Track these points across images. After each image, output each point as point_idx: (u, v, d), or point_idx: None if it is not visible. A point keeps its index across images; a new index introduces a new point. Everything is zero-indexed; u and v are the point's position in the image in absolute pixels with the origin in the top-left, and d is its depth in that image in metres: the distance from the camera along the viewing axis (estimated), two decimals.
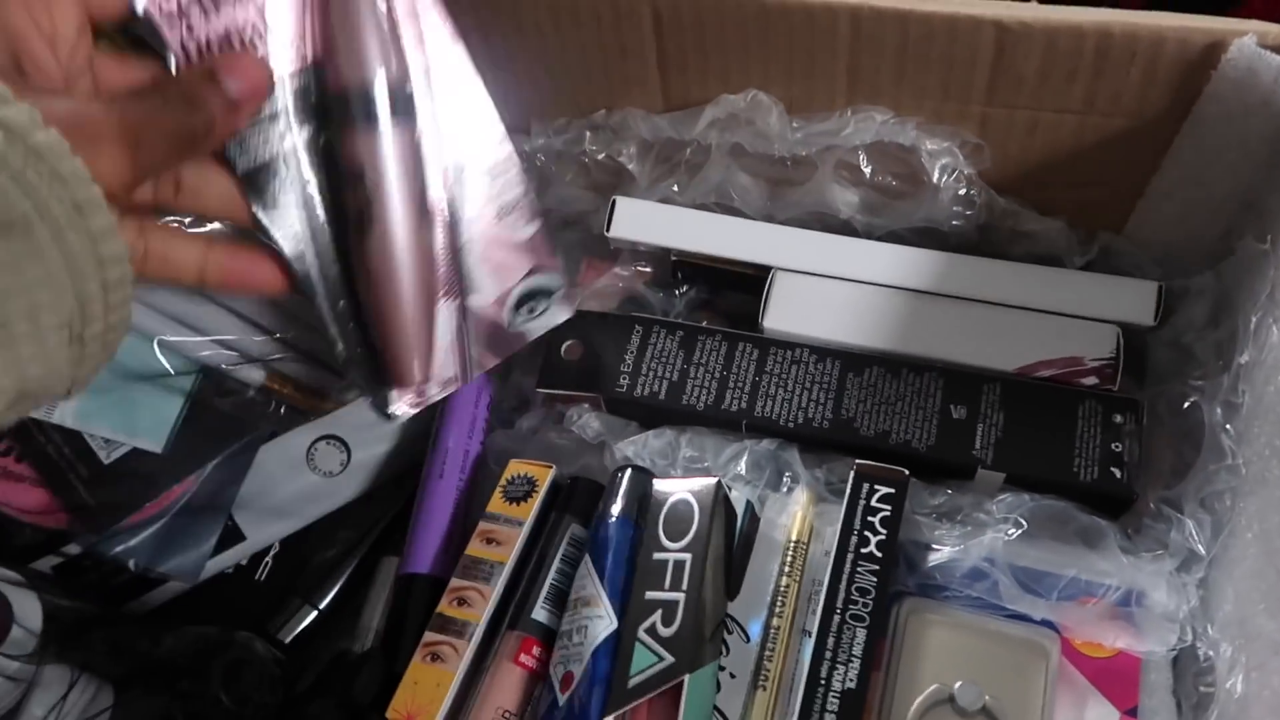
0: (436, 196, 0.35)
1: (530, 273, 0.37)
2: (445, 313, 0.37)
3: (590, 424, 0.43)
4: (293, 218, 0.35)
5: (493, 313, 0.37)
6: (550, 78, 0.45)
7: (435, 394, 0.37)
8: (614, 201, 0.45)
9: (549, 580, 0.38)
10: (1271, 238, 0.35)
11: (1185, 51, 0.35)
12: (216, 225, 0.39)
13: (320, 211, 0.35)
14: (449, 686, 0.36)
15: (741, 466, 0.41)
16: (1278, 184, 0.35)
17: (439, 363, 0.37)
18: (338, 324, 0.36)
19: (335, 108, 0.33)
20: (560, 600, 0.38)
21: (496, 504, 0.41)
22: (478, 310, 0.37)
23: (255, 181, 0.34)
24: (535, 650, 0.37)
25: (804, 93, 0.42)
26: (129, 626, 0.37)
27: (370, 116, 0.33)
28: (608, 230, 0.44)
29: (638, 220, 0.45)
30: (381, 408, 0.37)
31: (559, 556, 0.38)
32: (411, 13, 0.34)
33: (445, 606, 0.39)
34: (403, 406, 0.37)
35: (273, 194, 0.34)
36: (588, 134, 0.45)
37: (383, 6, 0.34)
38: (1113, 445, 0.39)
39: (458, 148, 0.36)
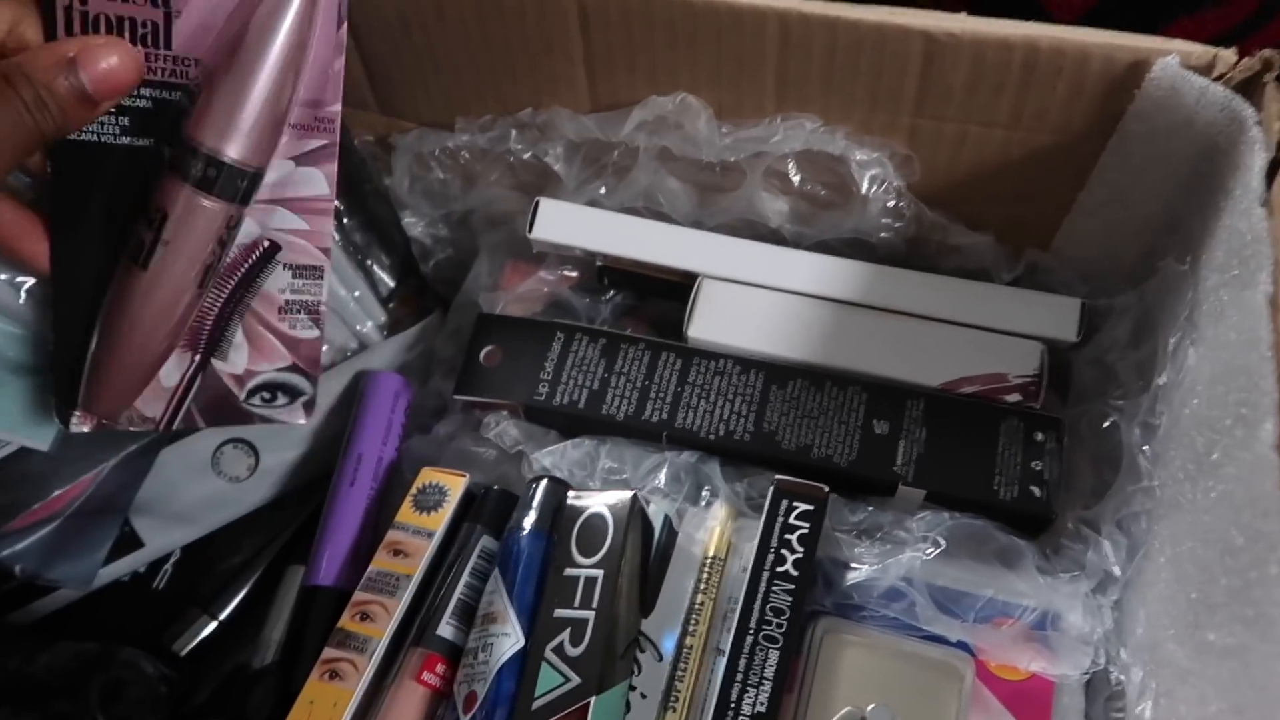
0: (228, 269, 0.36)
1: (287, 369, 0.39)
2: (178, 361, 0.37)
3: (508, 432, 0.42)
4: (81, 206, 0.34)
5: (229, 383, 0.38)
6: (474, 72, 0.43)
7: (123, 426, 0.37)
8: (537, 203, 0.43)
9: (456, 594, 0.36)
10: (1191, 259, 0.35)
11: (1110, 69, 0.35)
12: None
13: (108, 216, 0.34)
14: (346, 706, 0.35)
15: (661, 479, 0.40)
16: (1199, 205, 0.35)
17: (144, 400, 0.37)
18: (64, 322, 0.36)
19: (180, 148, 0.33)
20: (468, 616, 0.37)
21: (406, 514, 0.39)
22: (216, 373, 0.38)
23: (68, 151, 0.33)
24: (439, 668, 0.36)
25: (733, 98, 0.41)
26: None
27: (205, 180, 0.33)
28: (530, 232, 0.43)
29: (562, 222, 0.43)
30: (62, 415, 0.37)
31: (468, 570, 0.37)
32: (307, 122, 0.35)
33: (347, 621, 0.37)
34: (83, 426, 0.37)
35: (79, 172, 0.33)
36: (513, 132, 0.44)
37: (285, 100, 0.34)
38: (1033, 464, 0.39)
39: (278, 244, 0.37)
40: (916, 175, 0.41)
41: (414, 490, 0.40)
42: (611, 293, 0.46)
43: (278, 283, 0.38)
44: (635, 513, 0.36)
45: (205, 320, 0.37)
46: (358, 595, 0.37)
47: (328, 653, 0.36)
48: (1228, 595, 0.29)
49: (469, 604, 0.37)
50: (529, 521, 0.37)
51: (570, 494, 0.38)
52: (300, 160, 0.37)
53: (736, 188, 0.42)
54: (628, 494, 0.37)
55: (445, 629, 0.36)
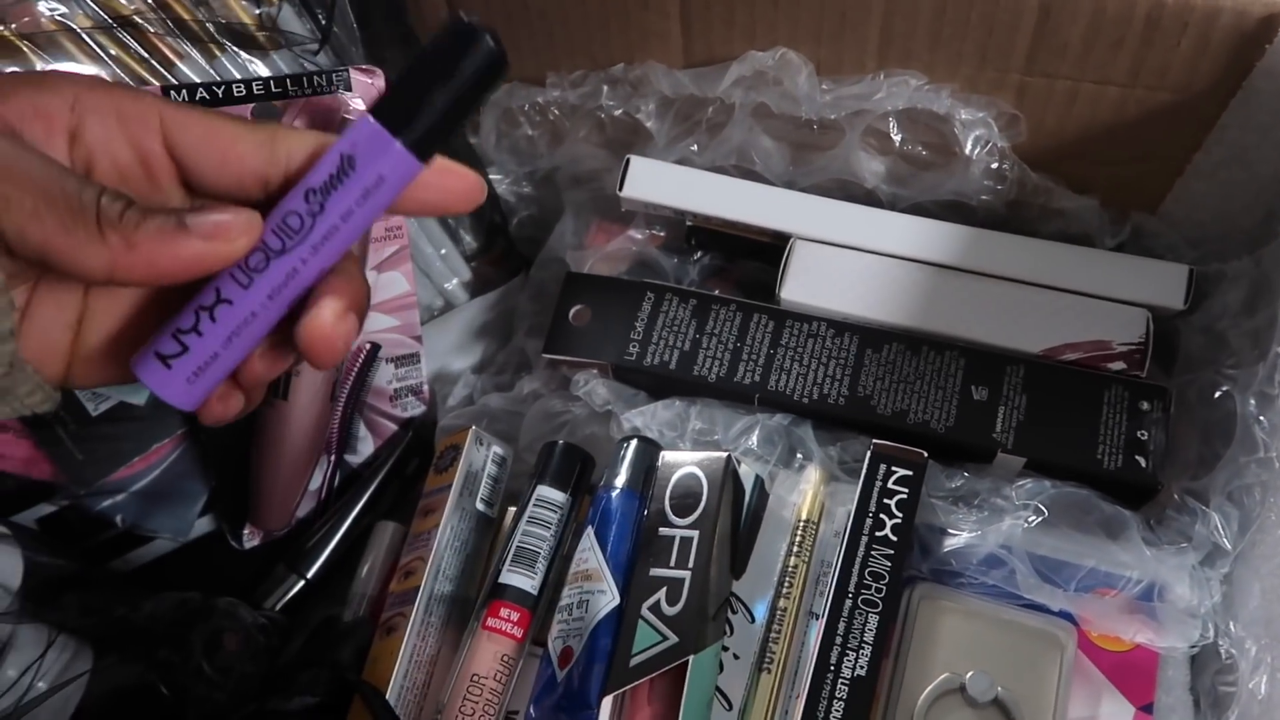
0: (343, 376, 0.41)
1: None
2: (320, 466, 0.42)
3: (597, 391, 0.42)
4: None
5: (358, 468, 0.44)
6: (566, 28, 0.42)
7: (282, 531, 0.42)
8: (628, 160, 0.43)
9: (515, 541, 0.36)
10: None
11: (1241, 23, 0.33)
12: None
13: None
14: (397, 654, 0.35)
15: (753, 441, 0.40)
16: None
17: (299, 508, 0.43)
18: (219, 454, 0.41)
19: None
20: (529, 560, 0.37)
21: (431, 480, 0.40)
22: (348, 464, 0.44)
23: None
24: (505, 613, 0.36)
25: (833, 54, 0.40)
26: (104, 590, 0.36)
27: None
28: (620, 190, 0.43)
29: (653, 181, 0.43)
30: (234, 534, 0.42)
31: (525, 518, 0.37)
32: (380, 235, 0.40)
33: (395, 584, 0.38)
34: (254, 540, 0.42)
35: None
36: (605, 88, 0.43)
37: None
38: (1138, 433, 0.38)
39: (377, 344, 0.42)
40: (1023, 136, 0.40)
41: (435, 459, 0.40)
42: (700, 253, 0.45)
43: (384, 376, 0.43)
44: (729, 474, 0.36)
45: (334, 426, 0.42)
46: (401, 560, 0.39)
47: (384, 616, 0.38)
48: None
49: (530, 550, 0.37)
50: (621, 480, 0.37)
51: (663, 454, 0.38)
52: (381, 267, 0.41)
53: (833, 146, 0.41)
54: (721, 454, 0.36)
55: (509, 576, 0.36)
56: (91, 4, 0.36)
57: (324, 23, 0.41)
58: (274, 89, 0.33)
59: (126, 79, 0.37)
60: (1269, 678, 0.31)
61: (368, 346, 0.41)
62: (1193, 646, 0.34)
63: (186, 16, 0.38)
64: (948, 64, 0.39)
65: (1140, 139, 0.39)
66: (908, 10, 0.37)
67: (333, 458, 0.42)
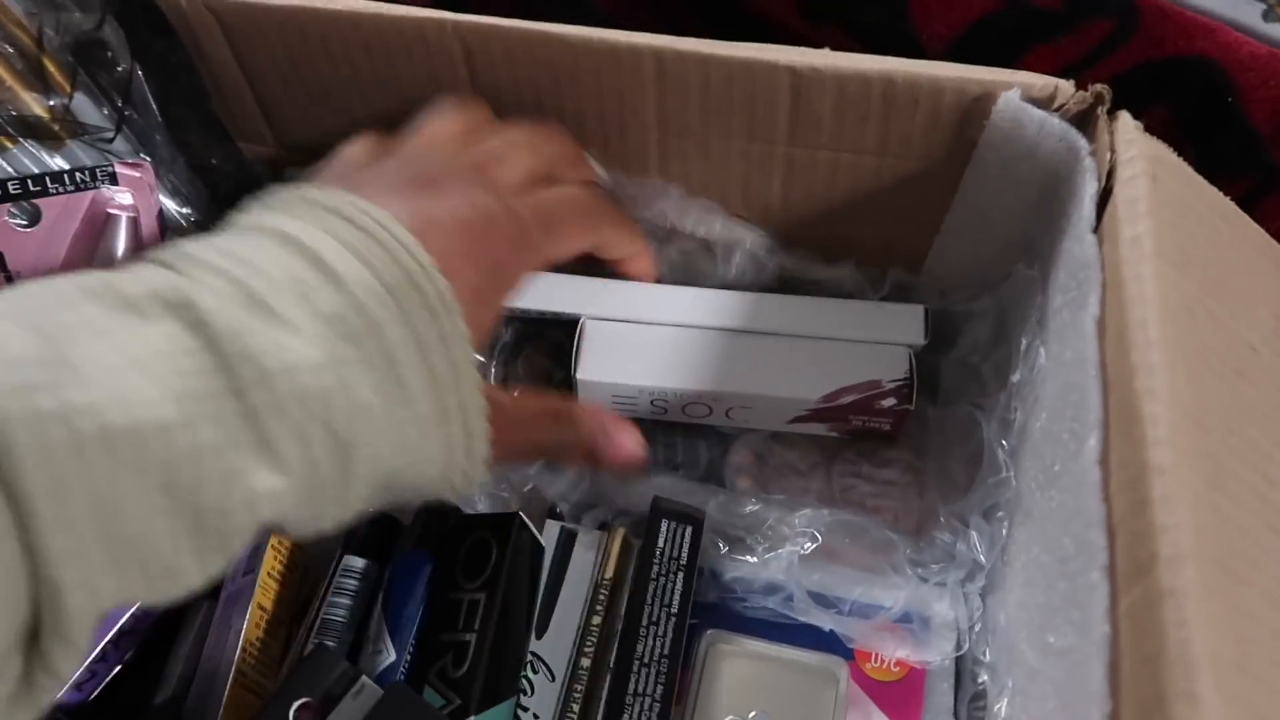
0: None
1: None
2: None
3: None
4: None
5: None
6: (366, 108, 0.44)
7: None
8: None
9: (321, 615, 0.37)
10: (1041, 277, 0.37)
11: (961, 100, 0.37)
12: None
13: None
14: None
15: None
16: (1046, 229, 0.37)
17: None
18: None
19: None
20: (334, 632, 0.37)
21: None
22: None
23: None
24: None
25: (618, 130, 0.42)
26: None
27: None
28: None
29: None
30: None
31: (330, 588, 0.38)
32: None
33: None
34: None
35: None
36: None
37: None
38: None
39: None
40: (781, 205, 0.43)
41: None
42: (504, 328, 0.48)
43: None
44: (519, 533, 0.38)
45: None
46: None
47: None
48: (1063, 599, 0.30)
49: (337, 621, 0.38)
50: (414, 543, 0.38)
51: (455, 515, 0.39)
52: None
53: None
54: (512, 515, 0.38)
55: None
56: None
57: (120, 108, 0.42)
58: (32, 187, 0.33)
59: None
60: (1009, 702, 0.34)
61: None
62: (946, 659, 0.37)
63: None
64: (721, 137, 0.42)
65: (898, 202, 0.42)
66: (679, 90, 0.40)
67: None
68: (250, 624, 0.38)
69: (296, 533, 0.27)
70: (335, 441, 0.25)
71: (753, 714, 0.37)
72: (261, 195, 0.30)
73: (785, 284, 0.44)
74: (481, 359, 0.34)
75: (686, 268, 0.45)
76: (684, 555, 0.37)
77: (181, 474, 0.22)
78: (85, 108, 0.41)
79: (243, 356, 0.24)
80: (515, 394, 0.32)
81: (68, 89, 0.41)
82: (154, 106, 0.43)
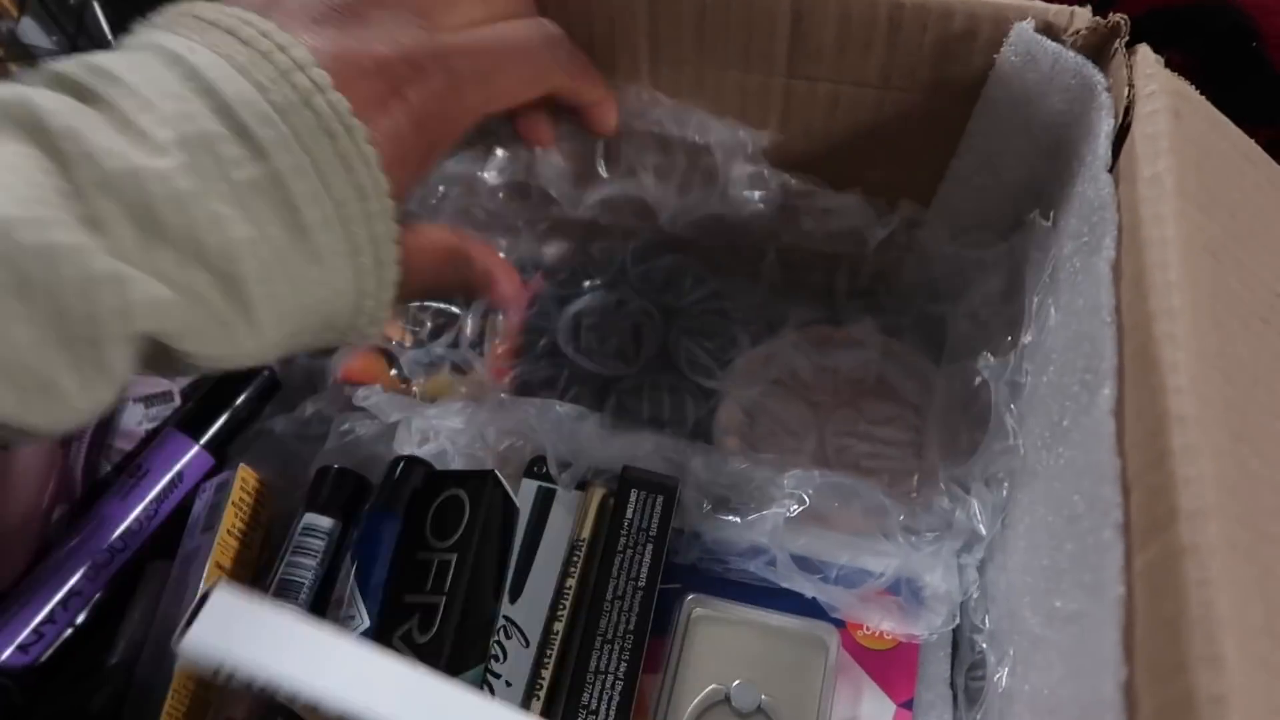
0: None
1: None
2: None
3: (381, 404, 0.41)
4: None
5: None
6: None
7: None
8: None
9: (278, 575, 0.35)
10: (1054, 215, 0.34)
11: (973, 28, 0.34)
12: None
13: None
14: None
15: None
16: (1058, 172, 0.34)
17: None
18: None
19: None
20: (293, 592, 0.35)
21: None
22: None
23: None
24: None
25: (608, 62, 0.40)
26: None
27: None
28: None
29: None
30: None
31: (290, 547, 0.36)
32: None
33: None
34: None
35: None
36: None
37: None
38: None
39: None
40: (779, 141, 0.40)
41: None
42: None
43: (134, 417, 0.41)
44: (494, 491, 0.35)
45: (77, 473, 0.39)
46: None
47: None
48: (1071, 561, 0.28)
49: (296, 581, 0.35)
50: (383, 503, 0.36)
51: (427, 472, 0.37)
52: None
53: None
54: (486, 472, 0.36)
55: None
56: None
57: (70, 32, 0.39)
58: None
59: None
60: (1009, 671, 0.32)
61: None
62: (933, 633, 0.34)
63: None
64: (716, 68, 0.39)
65: (902, 141, 0.39)
66: (671, 17, 0.37)
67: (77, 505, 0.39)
68: (208, 583, 0.36)
69: (207, 360, 0.25)
70: (199, 251, 0.24)
71: (736, 683, 0.34)
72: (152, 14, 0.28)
73: (786, 213, 0.41)
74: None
75: (681, 180, 0.42)
76: (654, 526, 0.35)
77: (34, 275, 0.21)
78: (33, 32, 0.39)
79: (87, 158, 0.23)
80: (410, 232, 0.29)
81: (15, 13, 0.38)
82: (106, 28, 0.41)
